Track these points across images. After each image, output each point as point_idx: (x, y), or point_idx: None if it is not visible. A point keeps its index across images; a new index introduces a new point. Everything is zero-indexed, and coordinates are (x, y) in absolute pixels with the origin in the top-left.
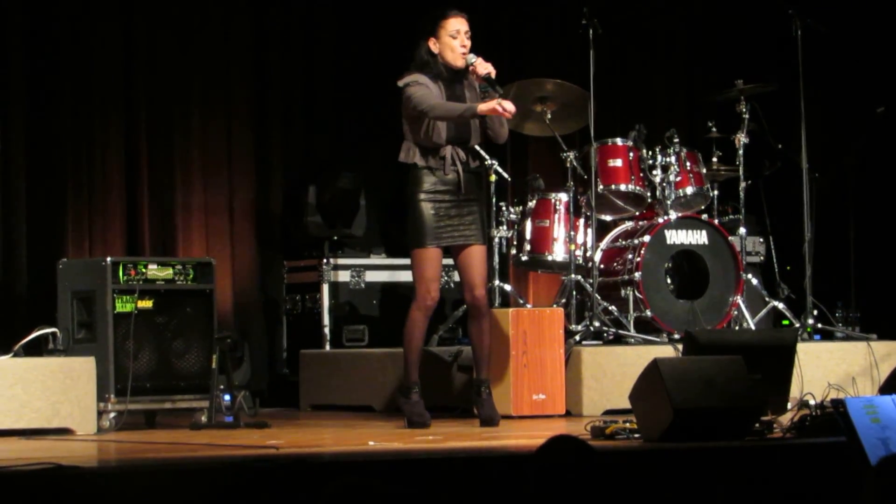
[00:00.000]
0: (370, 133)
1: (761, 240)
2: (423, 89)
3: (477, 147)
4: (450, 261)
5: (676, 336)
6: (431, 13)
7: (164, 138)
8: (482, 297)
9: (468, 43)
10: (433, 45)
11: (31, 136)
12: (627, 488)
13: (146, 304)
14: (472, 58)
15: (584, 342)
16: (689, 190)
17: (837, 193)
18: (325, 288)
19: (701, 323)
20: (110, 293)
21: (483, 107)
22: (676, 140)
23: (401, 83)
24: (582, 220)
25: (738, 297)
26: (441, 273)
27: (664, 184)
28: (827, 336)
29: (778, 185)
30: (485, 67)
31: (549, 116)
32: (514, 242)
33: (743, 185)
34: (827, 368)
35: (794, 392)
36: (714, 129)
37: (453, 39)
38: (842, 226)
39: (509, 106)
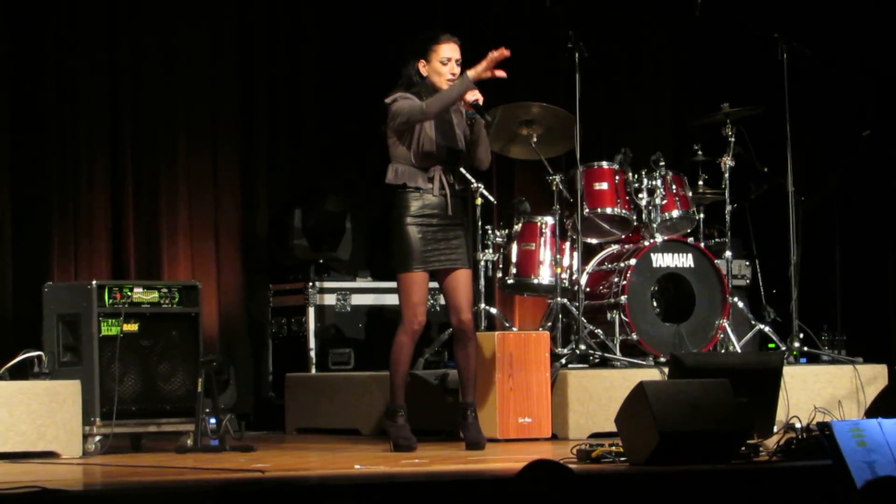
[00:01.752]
0: (356, 156)
1: (747, 263)
2: (409, 101)
3: (462, 170)
4: (435, 284)
5: (662, 359)
6: (425, 34)
7: (149, 162)
8: (469, 321)
9: (457, 70)
10: (423, 67)
11: (17, 159)
12: None
13: (132, 327)
14: None
15: (569, 365)
16: (675, 213)
17: (823, 217)
18: (311, 311)
19: (687, 346)
20: (96, 316)
21: (473, 72)
22: (662, 163)
23: (388, 100)
24: (568, 244)
25: (724, 321)
26: (427, 297)
27: (650, 207)
28: (813, 359)
29: (764, 209)
30: (473, 94)
31: (534, 140)
32: (500, 266)
33: (729, 208)
34: (813, 392)
35: (780, 415)
36: (700, 153)
37: (443, 66)
38: (828, 249)
39: (496, 54)
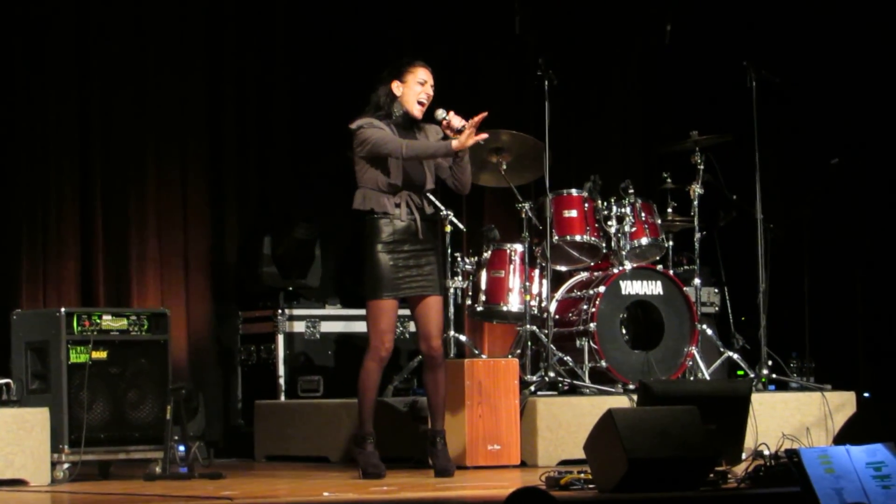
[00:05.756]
0: (325, 184)
1: (716, 290)
2: (380, 132)
3: (431, 196)
4: (405, 311)
5: (631, 386)
6: (401, 59)
7: (118, 189)
8: (438, 347)
9: (431, 93)
10: (396, 87)
11: None
12: None
13: (100, 354)
14: (442, 113)
15: (539, 392)
16: (644, 241)
17: (792, 244)
18: (281, 338)
19: (656, 373)
20: (64, 344)
21: (457, 143)
22: (631, 191)
23: (353, 126)
24: (537, 271)
25: (693, 348)
26: (396, 324)
27: (619, 234)
28: (781, 386)
29: (733, 236)
30: (459, 121)
31: (504, 167)
32: (470, 293)
33: (698, 235)
34: (781, 419)
35: (749, 442)
36: (669, 180)
37: (419, 86)
38: (796, 276)
39: (476, 119)
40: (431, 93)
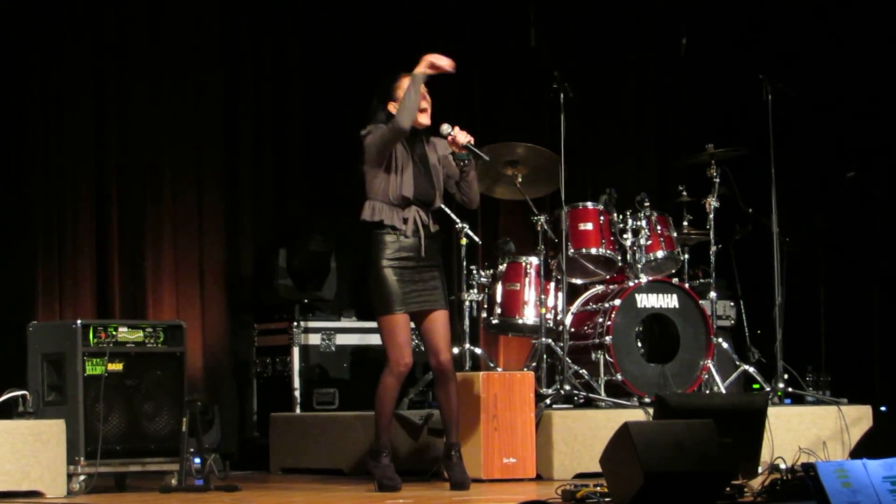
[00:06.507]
0: (341, 196)
1: (732, 304)
2: (380, 128)
3: (444, 208)
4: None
5: (647, 400)
6: (382, 82)
7: (134, 201)
8: (448, 361)
9: (428, 98)
10: (393, 108)
11: (1, 199)
12: None
13: (116, 366)
14: (447, 128)
15: (554, 406)
16: (660, 254)
17: (808, 258)
18: (296, 351)
19: (671, 387)
20: (80, 356)
21: (419, 69)
22: (647, 204)
23: (363, 132)
24: (552, 284)
25: (709, 361)
26: (412, 337)
27: (635, 247)
28: (797, 400)
29: (748, 249)
30: (465, 136)
31: (519, 180)
32: (485, 306)
33: (713, 248)
34: (798, 432)
35: (765, 456)
36: (685, 193)
37: None
38: (812, 290)
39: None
40: (428, 97)
